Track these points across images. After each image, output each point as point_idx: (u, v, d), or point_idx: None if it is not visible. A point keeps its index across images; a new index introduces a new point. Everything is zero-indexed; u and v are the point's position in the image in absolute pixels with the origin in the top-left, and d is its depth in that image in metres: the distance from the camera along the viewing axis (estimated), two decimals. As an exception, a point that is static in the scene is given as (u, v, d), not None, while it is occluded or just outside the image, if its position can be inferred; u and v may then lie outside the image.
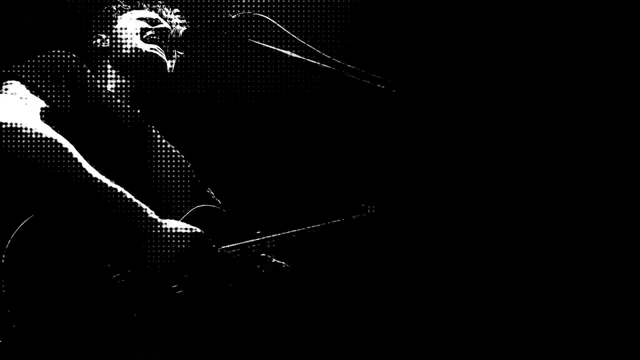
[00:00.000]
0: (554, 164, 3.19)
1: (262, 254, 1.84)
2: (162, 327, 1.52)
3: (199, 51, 2.08)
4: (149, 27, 2.13)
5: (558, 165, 3.19)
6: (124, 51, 2.08)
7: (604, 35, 3.20)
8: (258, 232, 1.88)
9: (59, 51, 1.80)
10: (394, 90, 1.67)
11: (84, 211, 1.48)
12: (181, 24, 2.12)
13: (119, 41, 2.10)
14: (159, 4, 2.23)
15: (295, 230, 1.91)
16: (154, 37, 2.10)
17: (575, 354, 2.98)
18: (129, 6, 2.20)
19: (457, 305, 3.29)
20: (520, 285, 3.21)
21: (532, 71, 3.26)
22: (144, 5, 2.20)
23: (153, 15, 2.18)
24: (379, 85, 1.66)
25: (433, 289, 3.32)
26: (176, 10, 2.23)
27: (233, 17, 1.80)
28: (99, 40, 2.16)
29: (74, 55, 1.84)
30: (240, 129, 4.54)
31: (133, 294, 1.49)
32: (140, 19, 2.16)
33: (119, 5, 2.21)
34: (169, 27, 2.11)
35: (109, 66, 2.10)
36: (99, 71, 2.11)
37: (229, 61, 3.70)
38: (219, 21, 1.83)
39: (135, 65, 2.08)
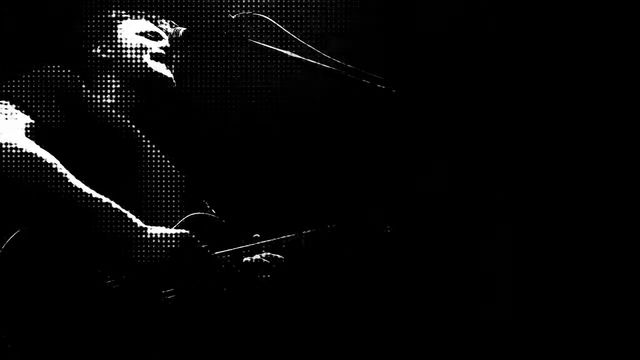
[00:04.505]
0: (556, 164, 3.18)
1: (257, 258, 1.83)
2: (153, 332, 1.51)
3: (199, 51, 2.06)
4: (154, 43, 2.07)
5: (560, 166, 3.18)
6: (129, 66, 2.02)
7: (604, 36, 3.19)
8: (255, 236, 1.87)
9: (50, 66, 1.77)
10: (394, 91, 1.67)
11: (70, 223, 1.49)
12: (176, 24, 2.09)
13: (122, 54, 2.03)
14: (155, 14, 2.17)
15: (296, 236, 1.90)
16: (160, 54, 2.05)
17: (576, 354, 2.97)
18: (126, 14, 2.12)
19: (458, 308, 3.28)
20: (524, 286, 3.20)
21: (535, 72, 3.25)
22: (141, 14, 2.12)
23: (152, 27, 2.11)
24: (379, 86, 1.65)
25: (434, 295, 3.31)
26: (171, 21, 2.17)
27: (233, 17, 1.80)
28: (99, 50, 2.06)
29: (66, 70, 1.80)
30: (239, 130, 4.53)
31: (124, 299, 1.49)
32: (142, 33, 2.08)
33: (116, 13, 2.12)
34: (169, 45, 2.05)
35: (110, 79, 2.04)
36: (98, 83, 2.04)
37: (229, 61, 3.70)
38: (219, 21, 1.83)
39: (142, 82, 2.03)
